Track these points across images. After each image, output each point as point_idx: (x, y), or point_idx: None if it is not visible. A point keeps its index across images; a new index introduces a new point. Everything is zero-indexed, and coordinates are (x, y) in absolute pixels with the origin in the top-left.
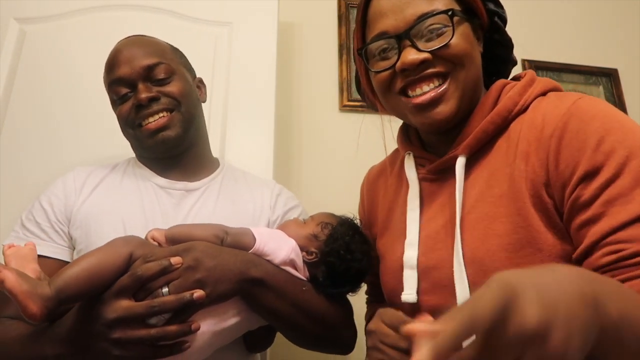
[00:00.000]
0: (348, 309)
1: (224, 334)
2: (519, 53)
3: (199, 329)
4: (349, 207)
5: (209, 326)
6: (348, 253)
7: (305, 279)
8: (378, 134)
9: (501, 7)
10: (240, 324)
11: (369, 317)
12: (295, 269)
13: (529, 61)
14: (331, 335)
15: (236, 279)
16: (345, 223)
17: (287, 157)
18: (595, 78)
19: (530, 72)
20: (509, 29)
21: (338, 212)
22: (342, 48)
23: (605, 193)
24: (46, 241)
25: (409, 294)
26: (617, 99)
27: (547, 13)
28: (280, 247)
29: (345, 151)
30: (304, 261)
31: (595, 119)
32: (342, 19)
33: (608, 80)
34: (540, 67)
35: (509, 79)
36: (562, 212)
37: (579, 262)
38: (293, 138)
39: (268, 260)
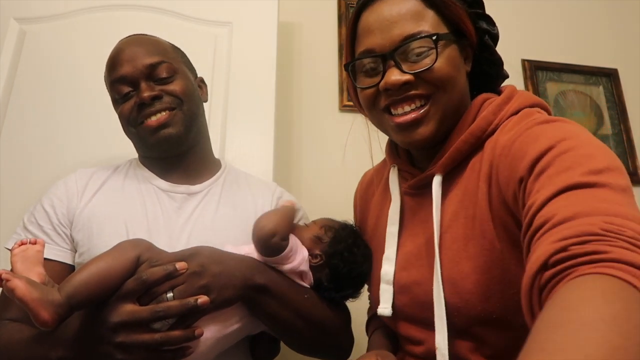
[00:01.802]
0: (347, 316)
1: (226, 339)
2: (519, 53)
3: (202, 334)
4: (348, 207)
5: (212, 332)
6: (351, 255)
7: (308, 285)
8: (378, 135)
9: (493, 24)
10: (242, 329)
11: (371, 331)
12: (301, 277)
13: (529, 61)
14: (330, 342)
15: (241, 285)
16: (347, 227)
17: (287, 157)
18: (595, 78)
19: (510, 88)
20: (509, 29)
21: (337, 212)
22: (342, 48)
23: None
24: (48, 244)
25: (384, 308)
26: (617, 99)
27: (547, 13)
28: (295, 259)
29: (345, 151)
30: (310, 266)
31: (542, 136)
32: (342, 19)
33: (608, 80)
34: (540, 67)
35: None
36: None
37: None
38: (293, 138)
39: (278, 266)
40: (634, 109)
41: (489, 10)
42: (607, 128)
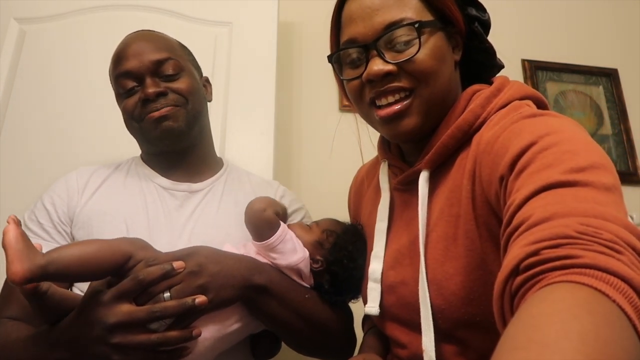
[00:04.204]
0: (349, 316)
1: (225, 340)
2: (519, 53)
3: (200, 335)
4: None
5: (211, 332)
6: (351, 262)
7: (308, 285)
8: (369, 131)
9: (483, 10)
10: (242, 329)
11: (366, 329)
12: (301, 276)
13: (529, 61)
14: (331, 343)
15: (239, 285)
16: (349, 231)
17: (287, 157)
18: (595, 78)
19: (500, 80)
20: (509, 29)
21: (337, 212)
22: None
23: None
24: (49, 241)
25: (371, 307)
26: (617, 99)
27: (547, 13)
28: (294, 252)
29: (345, 151)
30: (310, 269)
31: (525, 131)
32: None
33: (608, 80)
34: (540, 67)
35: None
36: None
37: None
38: (293, 138)
39: (274, 259)
40: (634, 109)
41: (489, 11)
42: (607, 128)
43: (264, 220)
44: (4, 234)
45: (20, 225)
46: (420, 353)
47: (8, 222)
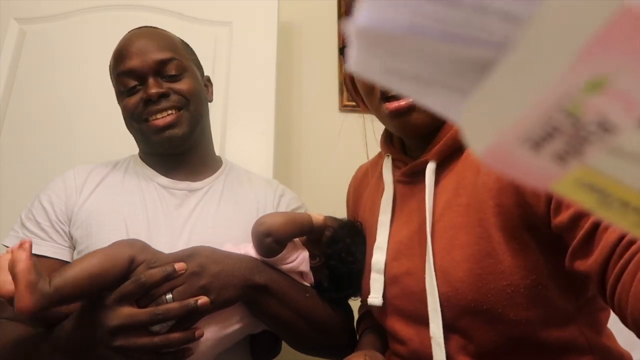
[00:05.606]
0: (349, 314)
1: (226, 339)
2: None
3: (202, 336)
4: None
5: (212, 332)
6: (349, 255)
7: (309, 284)
8: (375, 133)
9: None
10: (242, 329)
11: (361, 330)
12: (301, 275)
13: None
14: (331, 341)
15: (240, 285)
16: (346, 226)
17: (287, 157)
18: None
19: None
20: None
21: (337, 212)
22: (343, 48)
23: None
24: (46, 241)
25: (374, 298)
26: None
27: None
28: (295, 260)
29: (345, 151)
30: (309, 266)
31: None
32: (342, 19)
33: None
34: None
35: None
36: (539, 217)
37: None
38: (293, 138)
39: (275, 267)
40: None
41: None
42: None
43: (264, 247)
44: (15, 262)
45: (31, 250)
46: (420, 349)
47: (22, 248)
